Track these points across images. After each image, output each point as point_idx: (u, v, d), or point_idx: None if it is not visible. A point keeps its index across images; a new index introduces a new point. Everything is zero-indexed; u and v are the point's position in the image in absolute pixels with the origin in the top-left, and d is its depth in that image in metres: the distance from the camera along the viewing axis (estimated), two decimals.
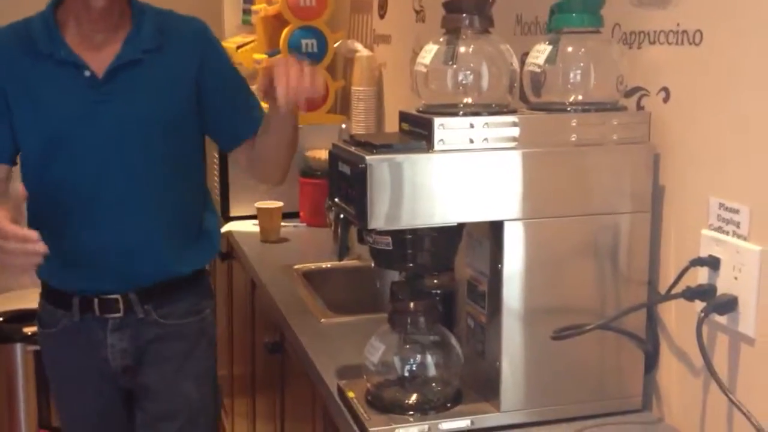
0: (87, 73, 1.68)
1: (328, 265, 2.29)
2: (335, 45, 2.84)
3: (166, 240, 1.77)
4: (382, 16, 2.71)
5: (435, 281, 1.50)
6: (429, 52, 1.30)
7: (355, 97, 2.73)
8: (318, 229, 2.63)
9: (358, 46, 2.80)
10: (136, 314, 1.78)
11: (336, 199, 1.34)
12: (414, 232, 1.29)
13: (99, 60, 1.69)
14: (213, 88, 1.79)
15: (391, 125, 2.67)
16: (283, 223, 2.58)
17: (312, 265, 2.27)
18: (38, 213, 1.75)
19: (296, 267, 2.25)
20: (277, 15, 2.83)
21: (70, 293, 1.78)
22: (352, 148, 1.28)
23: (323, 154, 2.68)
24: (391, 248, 1.30)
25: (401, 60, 2.54)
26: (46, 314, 1.84)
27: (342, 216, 1.35)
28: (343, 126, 2.62)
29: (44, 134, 1.70)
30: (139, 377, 1.83)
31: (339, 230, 2.20)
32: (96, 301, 1.76)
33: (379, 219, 1.22)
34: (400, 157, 1.22)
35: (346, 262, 2.23)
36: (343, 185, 1.30)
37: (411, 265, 1.34)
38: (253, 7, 3.04)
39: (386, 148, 1.24)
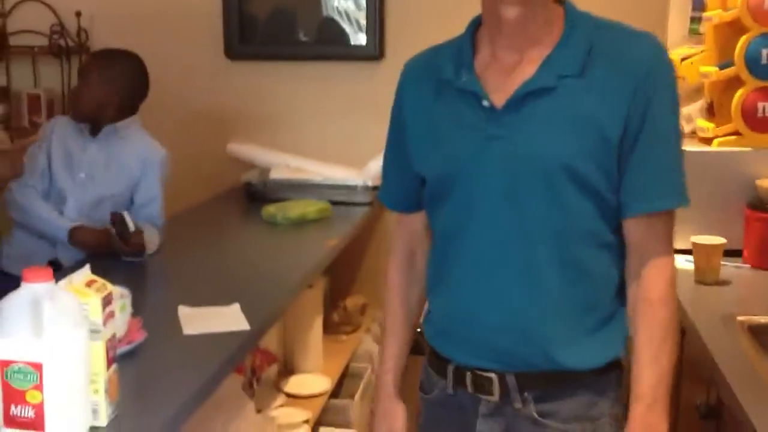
0: (485, 103, 1.40)
1: None
2: None
3: (558, 322, 1.41)
4: None
5: None
6: None
7: None
8: (766, 273, 2.24)
9: None
10: (512, 403, 1.45)
11: None
12: None
13: (505, 87, 1.40)
14: (632, 133, 1.37)
15: None
16: (722, 263, 2.23)
17: (762, 319, 1.90)
18: (431, 260, 1.56)
19: (740, 318, 1.91)
20: (732, 22, 2.47)
21: (447, 359, 1.52)
22: None
23: None
24: None
25: None
26: (425, 378, 1.60)
27: None
28: None
29: (435, 174, 1.48)
30: None
31: None
32: (469, 375, 1.48)
33: None
34: None
35: None
36: None
37: None
38: (705, 14, 2.70)
39: None
